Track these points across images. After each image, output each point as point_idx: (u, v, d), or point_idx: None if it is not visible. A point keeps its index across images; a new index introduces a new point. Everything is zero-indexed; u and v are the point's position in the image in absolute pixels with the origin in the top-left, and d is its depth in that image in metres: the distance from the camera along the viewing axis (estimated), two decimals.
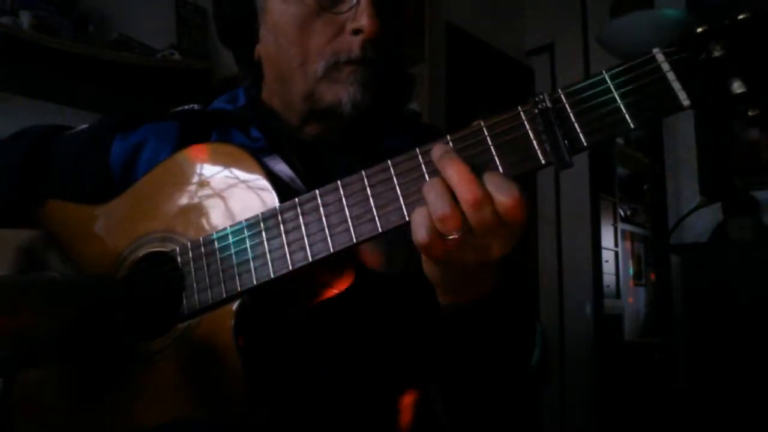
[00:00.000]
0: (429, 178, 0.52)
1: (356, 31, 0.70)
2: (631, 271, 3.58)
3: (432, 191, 0.50)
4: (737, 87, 0.47)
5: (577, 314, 3.14)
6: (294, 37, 0.72)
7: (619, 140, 3.42)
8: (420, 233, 0.50)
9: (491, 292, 0.60)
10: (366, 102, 0.72)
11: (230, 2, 0.78)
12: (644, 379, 3.02)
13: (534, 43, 3.54)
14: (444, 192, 0.49)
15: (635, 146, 3.52)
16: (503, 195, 0.49)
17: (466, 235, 0.50)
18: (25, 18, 1.60)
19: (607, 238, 3.21)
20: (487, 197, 0.49)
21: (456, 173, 0.50)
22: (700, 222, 2.82)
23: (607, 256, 3.18)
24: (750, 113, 0.48)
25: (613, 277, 3.23)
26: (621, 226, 3.34)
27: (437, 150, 0.52)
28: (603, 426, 2.98)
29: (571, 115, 0.50)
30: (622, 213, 3.40)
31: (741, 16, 0.46)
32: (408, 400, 0.73)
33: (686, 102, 0.48)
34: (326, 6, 0.71)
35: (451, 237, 0.50)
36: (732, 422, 2.35)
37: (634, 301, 3.60)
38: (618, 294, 3.26)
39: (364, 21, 0.69)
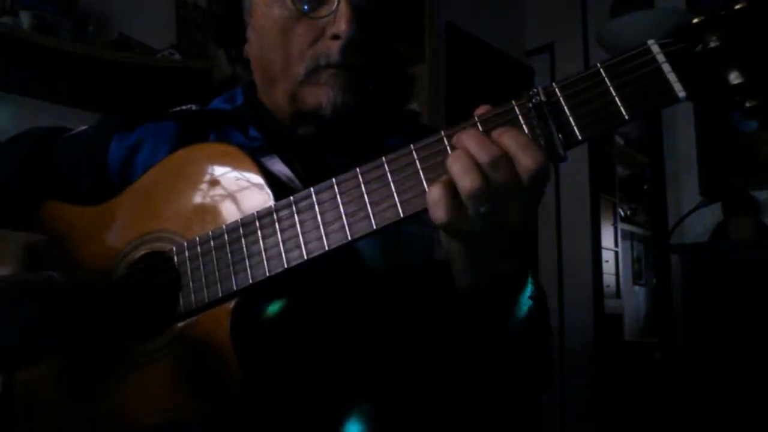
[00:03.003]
0: (423, 174, 0.52)
1: (335, 36, 0.71)
2: (631, 271, 3.58)
3: (456, 162, 0.49)
4: (734, 78, 0.47)
5: (577, 314, 3.14)
6: (276, 41, 0.73)
7: (619, 140, 3.43)
8: (438, 212, 0.50)
9: (509, 272, 0.59)
10: (347, 104, 0.73)
11: (220, 2, 0.79)
12: (644, 379, 3.02)
13: (534, 43, 3.55)
14: (468, 161, 0.49)
15: (635, 146, 3.52)
16: (527, 156, 0.48)
17: (488, 199, 0.49)
18: (25, 18, 1.59)
19: (607, 238, 3.21)
20: (503, 156, 0.48)
21: (471, 139, 0.50)
22: (700, 222, 2.81)
23: (607, 256, 3.18)
24: (747, 104, 0.47)
25: (613, 277, 3.23)
26: (621, 226, 3.34)
27: (457, 134, 0.52)
28: (603, 426, 2.98)
29: (565, 108, 0.50)
30: (622, 213, 3.40)
31: (737, 6, 0.45)
32: (405, 394, 0.73)
33: (682, 94, 0.47)
34: (306, 11, 0.72)
35: (473, 207, 0.49)
36: (732, 422, 2.34)
37: (634, 301, 3.60)
38: (618, 294, 3.26)
39: (343, 26, 0.70)
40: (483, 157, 0.48)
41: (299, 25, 0.72)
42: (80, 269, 0.69)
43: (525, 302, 0.64)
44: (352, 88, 0.73)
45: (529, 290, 0.64)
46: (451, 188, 0.50)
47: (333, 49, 0.71)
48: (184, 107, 0.84)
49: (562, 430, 3.13)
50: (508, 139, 0.49)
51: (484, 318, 0.62)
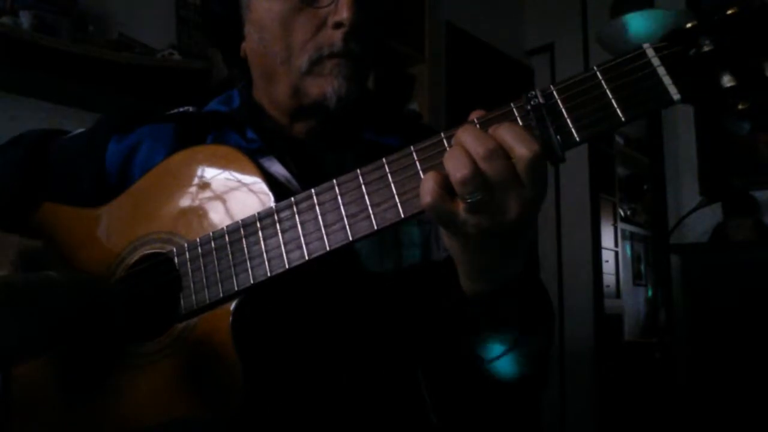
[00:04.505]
0: (423, 174, 0.52)
1: (338, 24, 0.71)
2: (631, 271, 3.58)
3: (451, 158, 0.49)
4: (727, 81, 0.48)
5: (577, 314, 3.14)
6: (277, 34, 0.73)
7: (619, 140, 3.43)
8: (425, 196, 0.50)
9: (514, 280, 0.58)
10: (351, 94, 0.73)
11: (216, 1, 0.79)
12: (644, 379, 3.02)
13: (534, 43, 3.55)
14: (462, 155, 0.49)
15: (635, 146, 3.53)
16: (522, 146, 0.48)
17: (478, 188, 0.49)
18: (25, 18, 1.59)
19: (607, 238, 3.21)
20: (498, 149, 0.48)
21: (466, 134, 0.50)
22: (700, 222, 2.81)
23: (607, 256, 3.19)
24: (740, 107, 0.48)
25: (613, 277, 3.24)
26: (621, 226, 3.34)
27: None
28: (603, 426, 2.98)
29: (563, 110, 0.51)
30: (622, 213, 3.40)
31: (730, 11, 0.46)
32: (403, 395, 0.73)
33: (677, 96, 0.48)
34: (308, 1, 0.72)
35: (468, 200, 0.49)
36: (732, 421, 2.35)
37: (634, 301, 3.60)
38: (618, 294, 3.27)
39: (345, 14, 0.70)
40: (478, 150, 0.48)
41: (300, 16, 0.72)
42: (79, 271, 0.69)
43: (527, 308, 0.63)
44: (354, 77, 0.73)
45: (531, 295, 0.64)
46: (445, 180, 0.50)
47: (336, 37, 0.71)
48: (181, 109, 0.84)
49: (562, 430, 3.13)
50: (502, 131, 0.49)
51: (485, 321, 0.62)
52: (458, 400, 0.73)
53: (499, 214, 0.50)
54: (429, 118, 2.64)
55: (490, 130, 0.50)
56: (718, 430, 2.40)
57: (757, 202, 2.71)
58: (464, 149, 0.49)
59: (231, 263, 0.60)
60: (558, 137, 0.50)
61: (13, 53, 1.57)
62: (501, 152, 0.49)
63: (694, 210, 2.70)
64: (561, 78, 0.52)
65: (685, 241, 2.85)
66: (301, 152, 0.77)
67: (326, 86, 0.72)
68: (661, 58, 0.49)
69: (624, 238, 3.47)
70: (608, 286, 3.17)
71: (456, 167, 0.49)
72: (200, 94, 0.88)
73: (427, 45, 2.72)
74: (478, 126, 0.52)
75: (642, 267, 3.74)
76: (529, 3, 3.61)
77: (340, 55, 0.72)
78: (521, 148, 0.48)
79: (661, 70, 0.49)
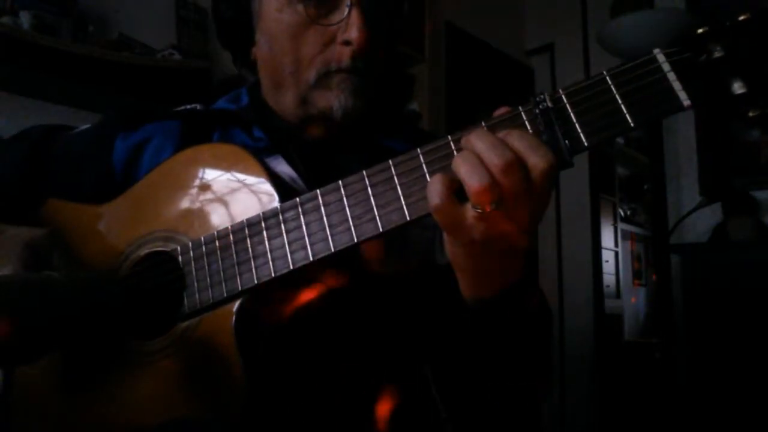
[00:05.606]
0: (430, 177, 0.52)
1: (346, 42, 0.72)
2: (631, 271, 3.58)
3: (465, 165, 0.48)
4: (738, 88, 0.48)
5: (577, 314, 3.14)
6: (287, 46, 0.74)
7: (619, 140, 3.42)
8: (434, 198, 0.49)
9: (515, 285, 0.58)
10: (357, 108, 0.74)
11: (227, 6, 0.80)
12: (644, 379, 3.02)
13: (534, 43, 3.55)
14: (478, 163, 0.48)
15: (635, 146, 3.52)
16: (537, 156, 0.48)
17: (495, 200, 0.48)
18: (25, 18, 1.59)
19: (607, 238, 3.21)
20: (516, 160, 0.48)
21: (479, 139, 0.49)
22: (700, 222, 2.82)
23: (607, 256, 3.18)
24: (750, 114, 0.48)
25: (613, 277, 3.23)
26: (621, 226, 3.34)
27: (465, 135, 0.51)
28: (603, 426, 2.98)
29: (572, 115, 0.50)
30: (622, 213, 3.40)
31: (741, 17, 0.46)
32: (407, 398, 0.73)
33: (687, 102, 0.48)
34: (317, 17, 0.73)
35: (479, 210, 0.48)
36: (732, 422, 2.35)
37: (634, 301, 3.60)
38: (618, 294, 3.26)
39: (354, 34, 0.71)
40: (495, 161, 0.48)
41: (310, 31, 0.73)
42: (83, 268, 0.69)
43: (529, 314, 0.63)
44: (361, 92, 0.74)
45: (533, 302, 0.64)
46: (453, 183, 0.49)
47: (344, 54, 0.73)
48: (188, 106, 0.84)
49: (562, 429, 3.13)
50: (515, 140, 0.49)
51: (487, 327, 0.62)
52: (467, 397, 0.73)
53: (507, 221, 0.50)
54: (429, 118, 2.64)
55: (500, 136, 0.50)
56: (718, 430, 2.40)
57: (757, 202, 2.71)
58: (479, 157, 0.48)
59: (235, 263, 0.60)
60: (566, 142, 0.50)
61: (13, 53, 1.57)
62: (516, 163, 0.48)
63: (694, 210, 2.70)
64: (561, 79, 0.52)
65: (685, 241, 2.85)
66: (310, 153, 0.78)
67: (333, 99, 0.73)
68: (671, 64, 0.49)
69: (624, 238, 3.47)
70: (608, 286, 3.17)
71: (471, 176, 0.48)
72: (200, 94, 0.88)
73: (427, 45, 2.72)
74: (485, 129, 0.52)
75: (642, 267, 3.74)
76: (529, 3, 3.61)
77: (348, 71, 0.73)
78: (536, 158, 0.48)
79: (672, 76, 0.49)
